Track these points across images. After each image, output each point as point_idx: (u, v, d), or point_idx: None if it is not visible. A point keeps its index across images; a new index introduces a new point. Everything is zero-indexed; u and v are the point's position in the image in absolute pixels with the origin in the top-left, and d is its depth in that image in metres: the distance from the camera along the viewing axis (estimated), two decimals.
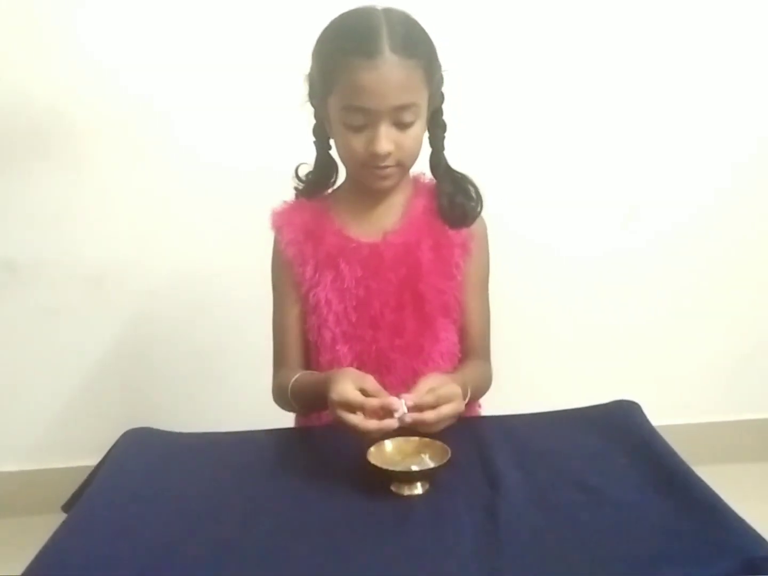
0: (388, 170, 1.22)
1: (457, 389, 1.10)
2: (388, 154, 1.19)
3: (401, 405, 1.06)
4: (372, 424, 1.05)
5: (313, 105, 1.28)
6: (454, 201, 1.31)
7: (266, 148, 2.03)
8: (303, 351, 1.36)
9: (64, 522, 1.01)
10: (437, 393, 1.08)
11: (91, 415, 2.24)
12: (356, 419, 1.05)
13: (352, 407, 1.06)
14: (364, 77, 1.13)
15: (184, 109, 2.06)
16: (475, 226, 1.33)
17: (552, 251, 2.24)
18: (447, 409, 1.08)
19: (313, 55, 1.23)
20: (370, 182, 1.26)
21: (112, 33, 2.01)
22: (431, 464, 1.04)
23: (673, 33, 2.14)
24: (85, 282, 2.17)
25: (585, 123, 2.16)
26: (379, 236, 1.30)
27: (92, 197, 2.12)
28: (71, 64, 2.02)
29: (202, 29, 2.02)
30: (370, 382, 1.09)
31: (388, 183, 1.26)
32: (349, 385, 1.08)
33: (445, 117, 1.31)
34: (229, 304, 2.15)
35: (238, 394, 2.12)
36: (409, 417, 1.06)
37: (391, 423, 1.05)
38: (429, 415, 1.06)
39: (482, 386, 1.34)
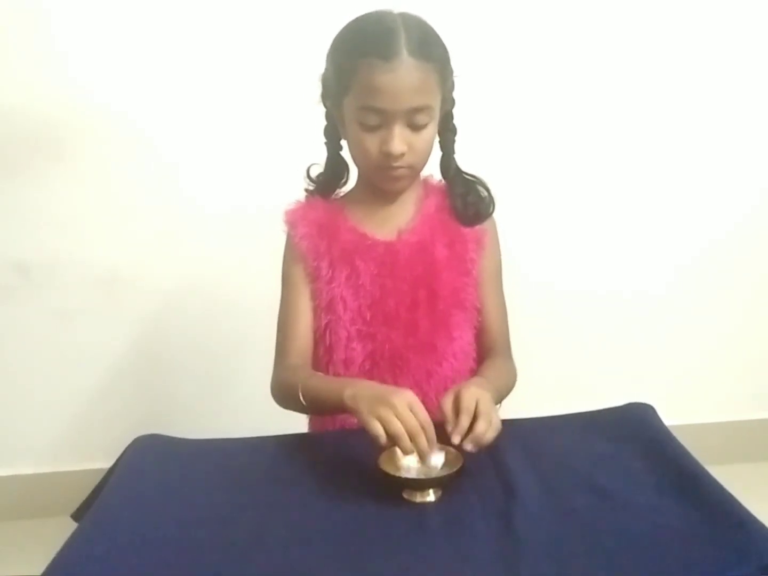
0: (400, 171, 1.23)
1: (487, 397, 1.07)
2: (402, 155, 1.20)
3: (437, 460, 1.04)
4: (409, 445, 1.00)
5: (326, 106, 1.29)
6: (467, 201, 1.32)
7: (279, 150, 2.03)
8: (310, 347, 1.34)
9: (74, 531, 1.00)
10: (484, 414, 1.04)
11: (105, 417, 2.25)
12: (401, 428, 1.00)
13: (404, 416, 1.01)
14: (381, 78, 1.15)
15: (198, 111, 2.06)
16: (486, 223, 1.34)
17: (563, 254, 2.24)
18: (488, 437, 1.05)
19: (328, 56, 1.24)
20: (382, 183, 1.27)
21: (123, 36, 2.01)
22: (443, 471, 1.02)
23: (698, 50, 2.15)
24: (98, 284, 2.17)
25: (597, 127, 2.17)
26: (393, 234, 1.31)
27: (105, 200, 2.12)
28: (84, 67, 2.02)
29: (208, 30, 2.02)
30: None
31: (399, 185, 1.27)
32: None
33: (457, 121, 1.32)
34: (242, 306, 2.15)
35: (251, 395, 2.10)
36: (470, 443, 1.03)
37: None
38: (490, 434, 1.04)
39: (506, 386, 1.32)
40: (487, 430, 1.03)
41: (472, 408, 1.05)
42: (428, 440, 1.01)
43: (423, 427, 1.00)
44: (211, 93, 2.05)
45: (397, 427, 0.99)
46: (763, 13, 2.14)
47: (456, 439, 1.03)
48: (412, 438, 1.00)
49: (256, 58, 2.03)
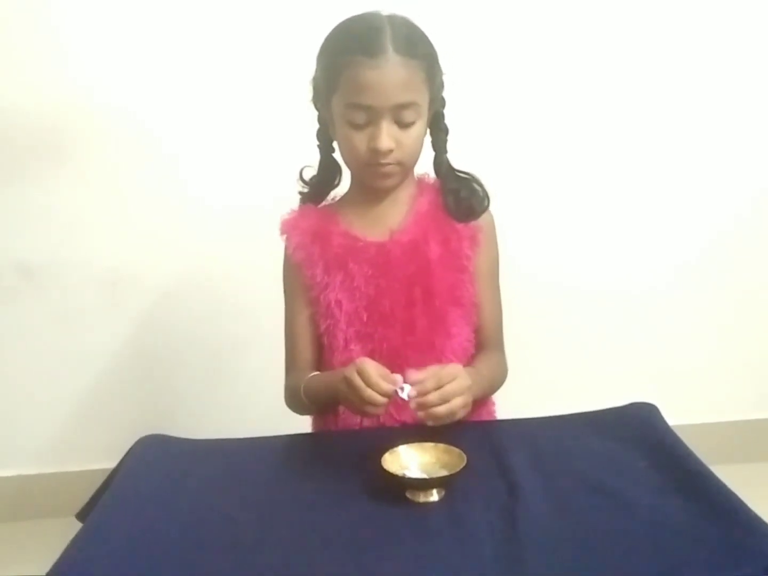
0: (389, 168, 1.23)
1: (465, 382, 1.10)
2: (389, 151, 1.20)
3: (403, 391, 1.08)
4: (377, 397, 1.07)
5: (317, 108, 1.30)
6: (460, 196, 1.32)
7: (282, 146, 2.01)
8: (315, 353, 1.36)
9: (79, 531, 1.00)
10: (444, 389, 1.07)
11: (106, 418, 2.25)
12: (363, 385, 1.07)
13: (367, 376, 1.08)
14: (367, 75, 1.16)
15: (198, 112, 2.07)
16: (482, 219, 1.34)
17: (564, 253, 2.23)
18: (456, 403, 1.08)
19: (318, 57, 1.26)
20: (371, 181, 1.28)
21: (124, 39, 2.02)
22: (446, 471, 1.02)
23: (695, 55, 2.15)
24: (100, 285, 2.18)
25: (598, 125, 2.16)
26: (385, 235, 1.31)
27: (106, 201, 2.12)
28: (86, 70, 2.03)
29: (210, 28, 2.03)
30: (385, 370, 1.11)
31: (388, 182, 1.27)
32: (372, 362, 1.11)
33: (449, 121, 1.32)
34: (243, 306, 2.15)
35: (253, 396, 2.12)
36: (414, 403, 1.06)
37: (380, 409, 1.10)
38: (440, 410, 1.07)
39: (497, 379, 1.34)
40: (437, 405, 1.07)
41: (444, 380, 1.08)
42: (386, 379, 1.08)
43: (373, 383, 1.07)
44: (214, 90, 2.05)
45: (372, 410, 1.09)
46: (761, 12, 2.13)
47: (412, 394, 1.07)
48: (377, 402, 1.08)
49: (258, 52, 2.03)
